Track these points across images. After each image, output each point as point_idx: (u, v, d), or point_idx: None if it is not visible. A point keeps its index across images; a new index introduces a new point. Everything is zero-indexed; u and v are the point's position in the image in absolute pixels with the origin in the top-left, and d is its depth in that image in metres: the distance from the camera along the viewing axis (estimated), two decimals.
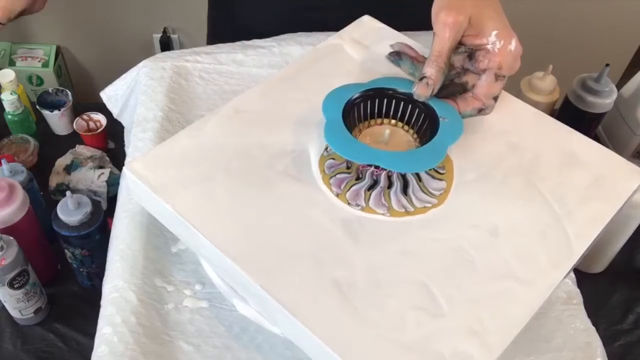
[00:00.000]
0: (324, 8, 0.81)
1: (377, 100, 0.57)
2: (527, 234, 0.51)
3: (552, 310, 0.59)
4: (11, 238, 0.66)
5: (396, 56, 0.59)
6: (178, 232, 0.54)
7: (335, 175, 0.54)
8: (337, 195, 0.52)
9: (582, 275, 0.62)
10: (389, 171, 0.54)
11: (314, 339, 0.44)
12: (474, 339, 0.44)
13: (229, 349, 0.54)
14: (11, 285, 0.66)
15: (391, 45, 0.59)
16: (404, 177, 0.54)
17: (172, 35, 1.72)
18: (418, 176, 0.54)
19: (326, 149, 0.56)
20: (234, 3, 0.89)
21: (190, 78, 0.76)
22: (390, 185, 0.53)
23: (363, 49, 0.66)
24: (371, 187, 0.53)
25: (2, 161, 0.74)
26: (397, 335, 0.44)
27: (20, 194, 0.69)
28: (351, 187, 0.53)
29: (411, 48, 0.58)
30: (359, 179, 0.54)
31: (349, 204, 0.52)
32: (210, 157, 0.55)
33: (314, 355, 0.46)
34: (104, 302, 0.56)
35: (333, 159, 0.55)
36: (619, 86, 0.95)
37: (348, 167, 0.54)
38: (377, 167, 0.54)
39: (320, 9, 0.81)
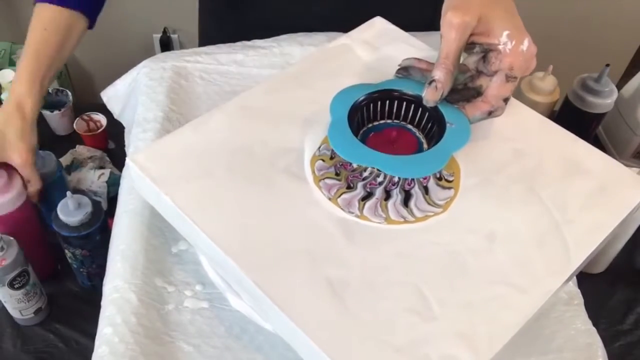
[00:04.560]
0: (310, 16, 0.81)
1: (387, 102, 0.57)
2: (525, 241, 0.50)
3: (553, 310, 0.59)
4: (11, 238, 0.66)
5: (404, 72, 0.58)
6: (177, 225, 0.54)
7: (324, 179, 0.53)
8: (330, 199, 0.52)
9: (582, 276, 0.61)
10: (387, 185, 0.53)
11: (304, 337, 0.44)
12: (463, 344, 0.44)
13: (230, 350, 0.54)
14: (11, 285, 0.66)
15: (399, 65, 0.58)
16: (406, 192, 0.53)
17: (172, 35, 1.72)
18: (425, 189, 0.53)
19: (319, 148, 0.56)
20: (221, 8, 0.90)
21: (191, 78, 0.76)
22: (388, 197, 0.53)
23: (373, 50, 0.66)
24: (365, 198, 0.52)
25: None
26: (387, 336, 0.44)
27: (17, 183, 0.69)
28: (342, 194, 0.52)
29: (421, 60, 0.57)
30: (350, 187, 0.53)
31: (342, 209, 0.52)
32: (213, 152, 0.55)
33: (304, 353, 0.46)
34: (104, 302, 0.56)
35: (322, 160, 0.55)
36: (619, 86, 0.95)
37: (337, 174, 0.54)
38: (374, 175, 0.53)
39: (306, 16, 0.81)
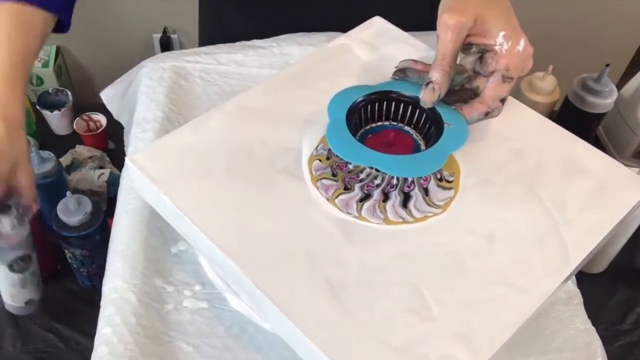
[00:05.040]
0: (310, 17, 0.81)
1: (385, 103, 0.57)
2: (524, 241, 0.50)
3: (553, 310, 0.58)
4: (25, 219, 0.63)
5: (401, 74, 0.58)
6: (176, 225, 0.54)
7: (321, 179, 0.53)
8: (328, 200, 0.52)
9: (582, 275, 0.62)
10: (385, 187, 0.53)
11: (302, 337, 0.44)
12: (462, 344, 0.44)
13: (229, 350, 0.54)
14: (10, 266, 0.66)
15: (396, 67, 0.59)
16: (405, 194, 0.53)
17: (172, 35, 1.72)
18: (425, 190, 0.53)
19: (316, 148, 0.56)
20: (222, 9, 0.90)
21: (190, 78, 0.76)
22: (386, 199, 0.52)
23: (372, 50, 0.65)
24: (363, 200, 0.52)
25: (33, 148, 0.74)
26: (386, 336, 0.44)
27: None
28: (339, 195, 0.52)
29: (417, 62, 0.57)
30: (347, 189, 0.53)
31: (340, 210, 0.52)
32: (212, 152, 0.55)
33: (302, 353, 0.46)
34: (103, 302, 0.56)
35: (319, 160, 0.55)
36: (619, 86, 0.95)
37: (334, 175, 0.54)
38: (371, 176, 0.53)
39: (306, 18, 0.81)
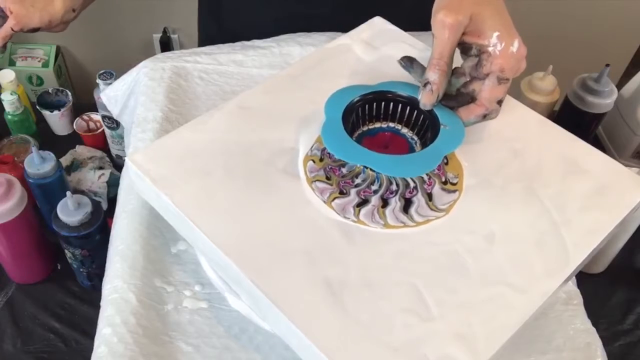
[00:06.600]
0: (310, 17, 0.81)
1: (382, 103, 0.57)
2: (524, 242, 0.50)
3: (552, 310, 0.59)
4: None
5: (407, 62, 0.57)
6: (176, 224, 0.54)
7: (315, 181, 0.53)
8: (324, 202, 0.52)
9: (582, 275, 0.61)
10: (384, 193, 0.52)
11: (301, 337, 0.44)
12: (461, 344, 0.44)
13: (229, 350, 0.54)
14: None
15: (401, 58, 0.58)
16: (406, 199, 0.52)
17: (172, 35, 1.72)
18: (429, 195, 0.52)
19: (311, 148, 0.56)
20: (222, 9, 0.90)
21: (190, 79, 0.76)
22: (385, 204, 0.52)
23: (372, 50, 0.65)
24: (360, 205, 0.52)
25: (33, 148, 0.75)
26: (385, 337, 0.44)
27: (17, 191, 0.69)
28: (335, 199, 0.52)
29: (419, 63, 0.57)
30: (343, 193, 0.52)
31: (337, 213, 0.51)
32: (212, 152, 0.55)
33: (301, 352, 0.46)
34: (103, 302, 0.56)
35: (313, 160, 0.55)
36: (619, 86, 0.95)
37: (328, 178, 0.53)
38: (367, 182, 0.53)
39: (306, 18, 0.81)
